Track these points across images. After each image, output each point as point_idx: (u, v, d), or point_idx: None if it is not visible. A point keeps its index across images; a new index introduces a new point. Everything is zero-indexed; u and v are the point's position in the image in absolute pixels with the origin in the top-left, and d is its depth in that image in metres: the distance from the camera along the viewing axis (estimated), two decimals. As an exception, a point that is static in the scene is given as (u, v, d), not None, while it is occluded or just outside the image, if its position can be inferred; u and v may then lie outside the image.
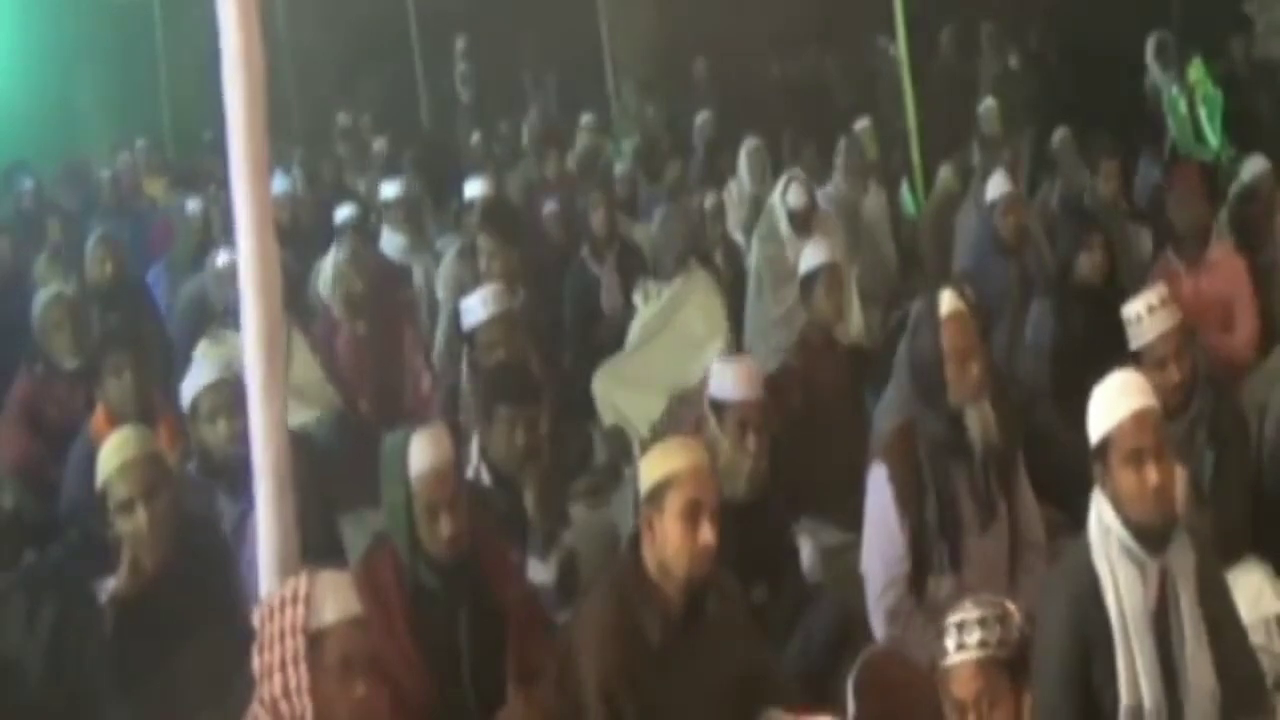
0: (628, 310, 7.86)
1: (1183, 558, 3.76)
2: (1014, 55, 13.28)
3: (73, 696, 4.14)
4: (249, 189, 3.41)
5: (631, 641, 3.81)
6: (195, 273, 8.66)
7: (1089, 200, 8.76)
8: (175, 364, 6.79)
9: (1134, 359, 4.76)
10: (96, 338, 6.55)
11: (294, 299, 7.20)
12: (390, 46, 15.28)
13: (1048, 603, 3.81)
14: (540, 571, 5.13)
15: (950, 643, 3.32)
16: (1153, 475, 3.67)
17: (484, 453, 5.31)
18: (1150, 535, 3.70)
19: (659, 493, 3.83)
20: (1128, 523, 3.70)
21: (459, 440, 5.00)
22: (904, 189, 10.36)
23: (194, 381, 5.23)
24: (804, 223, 7.96)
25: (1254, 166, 7.61)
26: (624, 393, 7.30)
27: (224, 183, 4.94)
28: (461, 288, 7.56)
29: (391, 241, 9.15)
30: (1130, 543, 3.71)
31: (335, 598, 3.27)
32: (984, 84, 12.52)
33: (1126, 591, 3.71)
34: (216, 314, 7.24)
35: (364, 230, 8.90)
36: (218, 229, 9.22)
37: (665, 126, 13.53)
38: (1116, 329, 4.99)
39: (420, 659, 4.19)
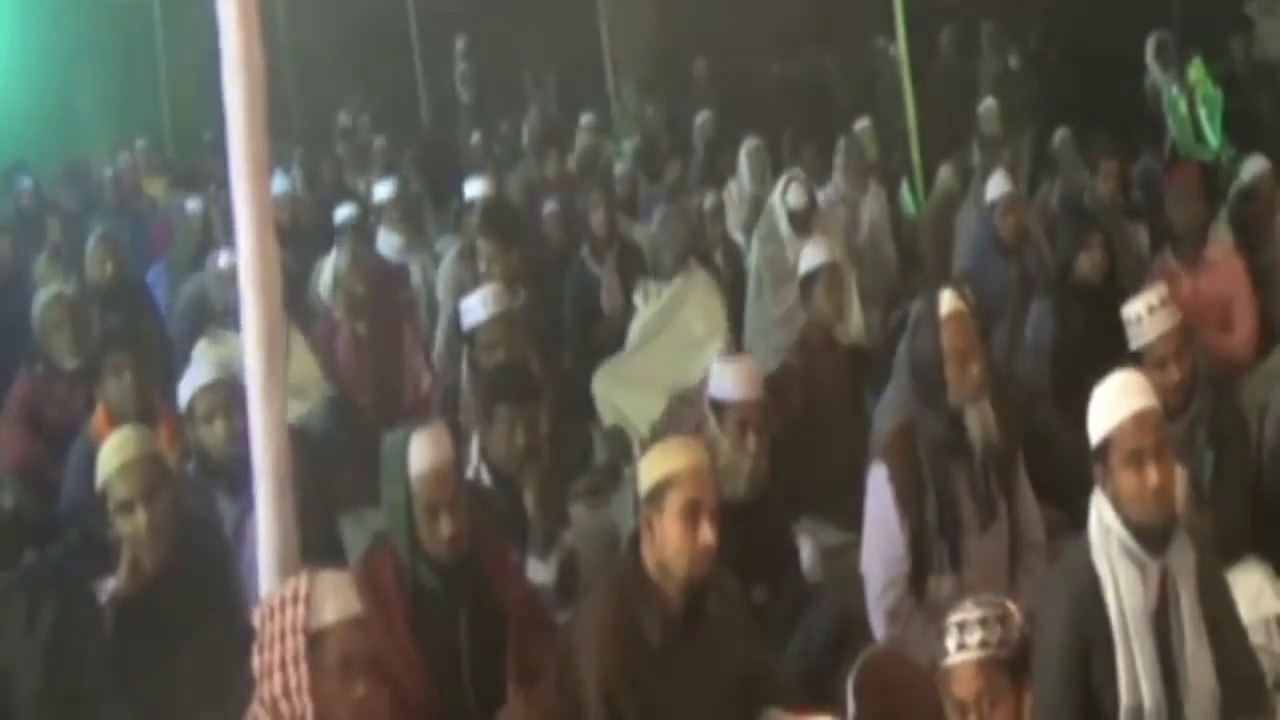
0: (628, 310, 7.86)
1: (1183, 558, 3.76)
2: (1014, 55, 13.27)
3: (73, 697, 4.13)
4: (249, 189, 3.41)
5: (631, 641, 3.81)
6: (195, 273, 8.66)
7: (1089, 200, 8.76)
8: (175, 364, 6.79)
9: (1134, 359, 4.76)
10: (96, 338, 6.55)
11: (294, 299, 7.21)
12: (390, 46, 15.28)
13: (1048, 603, 3.81)
14: (540, 571, 5.13)
15: (951, 642, 3.32)
16: (1153, 476, 3.67)
17: (484, 453, 5.32)
18: (1151, 535, 3.70)
19: (659, 493, 3.83)
20: (1128, 523, 3.70)
21: (459, 440, 5.00)
22: (904, 189, 10.35)
23: (191, 382, 5.21)
24: (804, 223, 7.97)
25: (1254, 166, 7.61)
26: (624, 393, 7.31)
27: (224, 183, 4.94)
28: (461, 289, 7.56)
29: (388, 241, 9.15)
30: (1130, 543, 3.71)
31: (335, 598, 3.27)
32: (984, 84, 12.51)
33: (1127, 591, 3.71)
34: (216, 314, 7.24)
35: (363, 231, 8.91)
36: (218, 229, 9.22)
37: (665, 126, 13.53)
38: (1116, 329, 4.98)
39: (420, 659, 4.19)
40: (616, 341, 7.76)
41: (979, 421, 4.53)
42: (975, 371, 4.53)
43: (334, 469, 5.81)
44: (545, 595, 4.92)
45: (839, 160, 9.45)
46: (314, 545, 3.74)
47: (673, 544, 3.82)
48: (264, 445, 3.44)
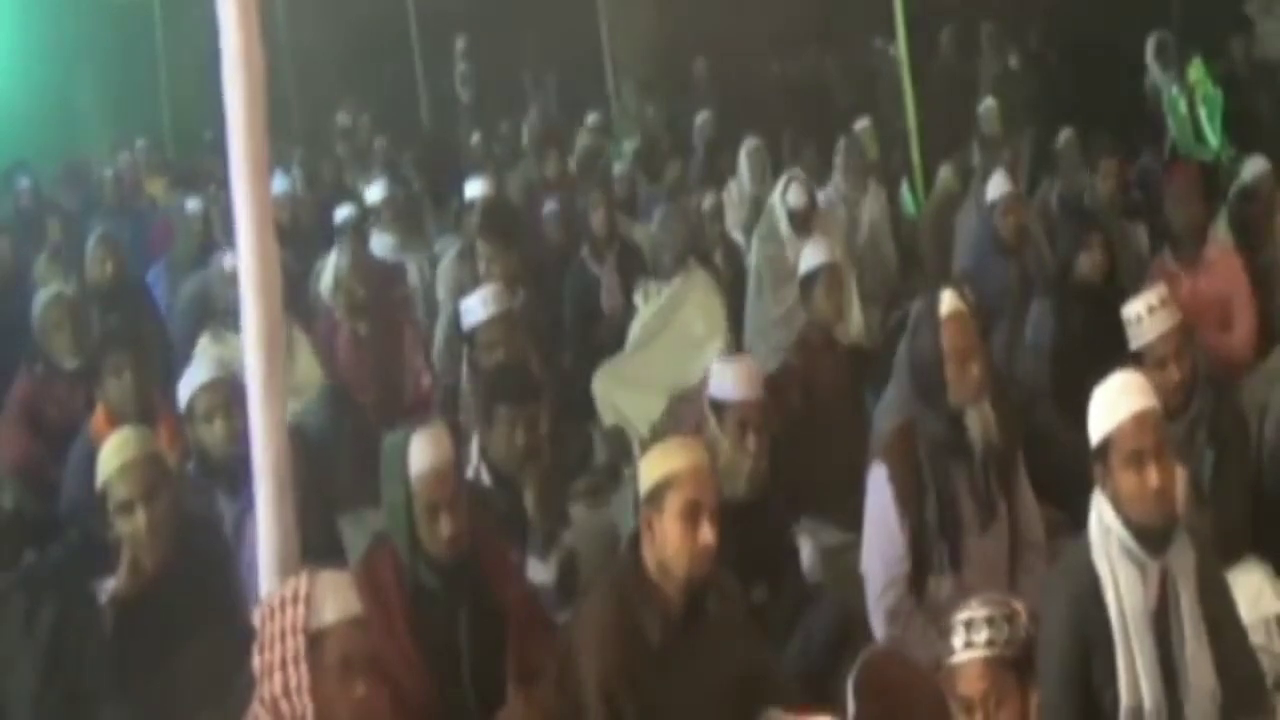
0: (628, 310, 7.86)
1: (1183, 558, 3.76)
2: (1014, 55, 13.27)
3: (72, 696, 4.13)
4: (249, 189, 3.41)
5: (631, 641, 3.81)
6: (195, 272, 8.66)
7: (1089, 200, 8.76)
8: (175, 364, 6.79)
9: (1134, 359, 4.76)
10: (96, 338, 6.54)
11: (294, 299, 7.21)
12: (390, 46, 15.28)
13: (1048, 602, 3.81)
14: (540, 571, 5.13)
15: (958, 641, 3.32)
16: (1153, 476, 3.67)
17: (484, 453, 5.31)
18: (1151, 536, 3.70)
19: (659, 493, 3.83)
20: (1128, 523, 3.70)
21: (459, 440, 5.00)
22: (904, 189, 10.35)
23: (190, 381, 5.19)
24: (804, 223, 7.97)
25: (1254, 166, 7.60)
26: (624, 393, 7.31)
27: (224, 183, 4.93)
28: (461, 289, 7.57)
29: (381, 241, 9.15)
30: (1131, 543, 3.71)
31: (335, 598, 3.27)
32: (984, 84, 12.51)
33: (1127, 591, 3.71)
34: (218, 312, 7.24)
35: (363, 231, 8.91)
36: (218, 229, 9.22)
37: (665, 126, 13.53)
38: (1116, 329, 4.98)
39: (420, 659, 4.19)
40: (616, 341, 7.76)
41: (979, 421, 4.53)
42: (975, 371, 4.53)
43: (334, 469, 5.81)
44: (545, 595, 4.92)
45: (839, 160, 9.45)
46: (314, 545, 3.74)
47: (673, 544, 3.82)
48: (264, 445, 3.44)
